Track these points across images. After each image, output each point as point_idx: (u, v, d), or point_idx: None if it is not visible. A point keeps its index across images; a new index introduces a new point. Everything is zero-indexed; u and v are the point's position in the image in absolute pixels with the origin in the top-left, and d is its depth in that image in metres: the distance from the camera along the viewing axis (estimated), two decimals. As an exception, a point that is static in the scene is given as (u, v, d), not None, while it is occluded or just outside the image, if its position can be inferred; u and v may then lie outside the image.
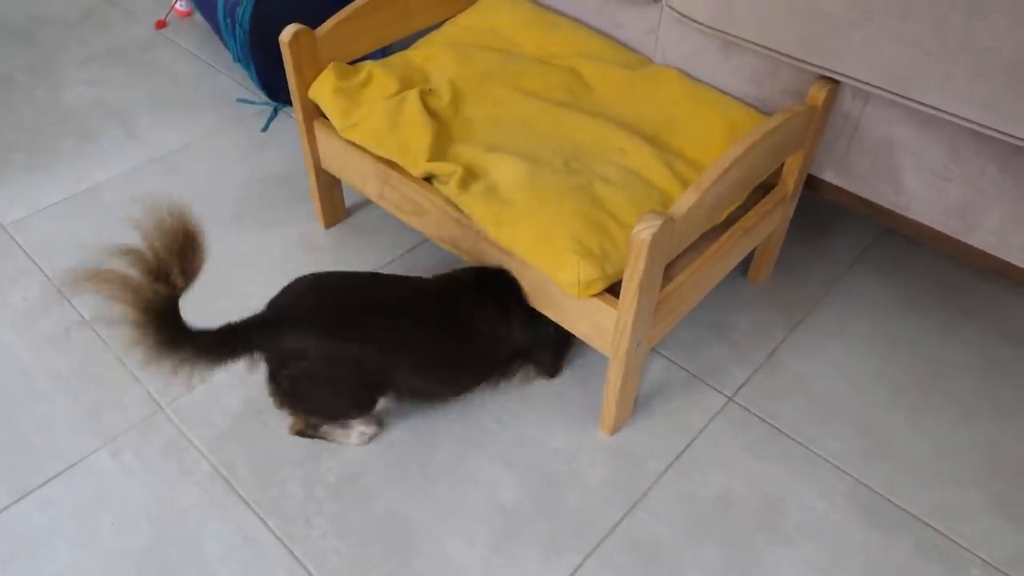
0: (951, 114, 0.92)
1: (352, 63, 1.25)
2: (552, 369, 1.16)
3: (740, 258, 1.15)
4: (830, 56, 0.99)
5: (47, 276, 1.33)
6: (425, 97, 1.18)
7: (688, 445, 1.10)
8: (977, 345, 1.24)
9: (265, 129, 1.66)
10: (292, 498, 1.02)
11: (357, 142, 1.18)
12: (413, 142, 1.11)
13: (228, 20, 1.63)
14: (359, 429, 1.07)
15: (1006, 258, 1.03)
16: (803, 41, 1.00)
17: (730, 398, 1.16)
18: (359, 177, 1.24)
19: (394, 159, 1.14)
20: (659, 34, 1.24)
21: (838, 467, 1.07)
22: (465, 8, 1.40)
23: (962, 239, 1.06)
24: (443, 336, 1.02)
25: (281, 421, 1.11)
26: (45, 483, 1.04)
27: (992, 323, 1.28)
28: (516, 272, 1.05)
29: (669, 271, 1.00)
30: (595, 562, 0.97)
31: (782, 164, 1.12)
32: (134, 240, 0.82)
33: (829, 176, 1.15)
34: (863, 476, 1.06)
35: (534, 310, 1.06)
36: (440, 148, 1.11)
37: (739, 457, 1.08)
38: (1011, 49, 0.84)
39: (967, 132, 0.97)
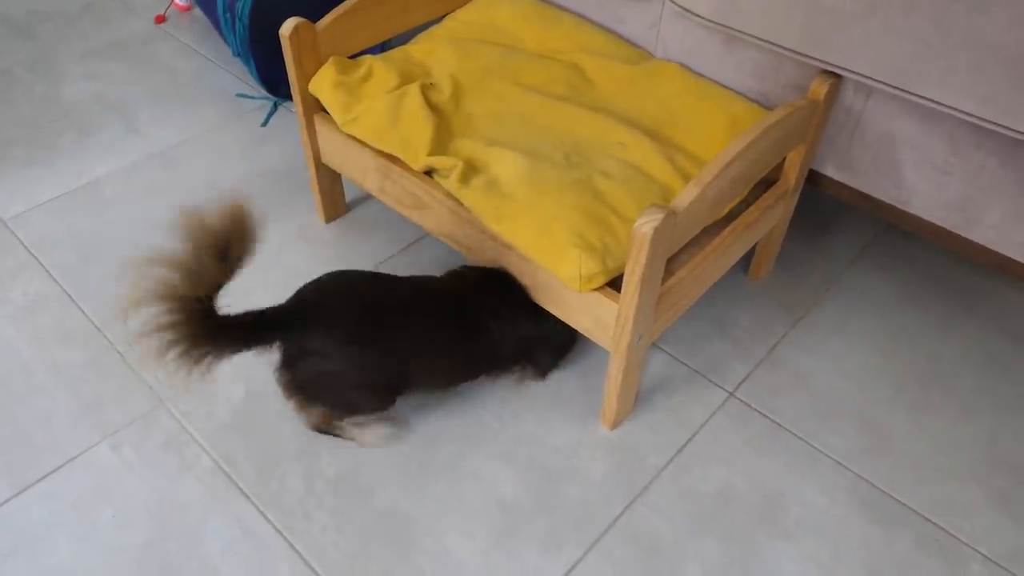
0: (952, 108, 0.91)
1: (352, 57, 1.25)
2: (547, 370, 1.16)
3: (741, 253, 1.15)
4: (832, 50, 0.98)
5: (47, 270, 1.33)
6: (426, 91, 1.17)
7: (689, 440, 1.09)
8: (978, 341, 1.24)
9: (265, 124, 1.66)
10: (292, 492, 1.02)
11: (358, 136, 1.18)
12: (414, 136, 1.11)
13: (228, 15, 1.63)
14: (376, 427, 1.07)
15: (1007, 253, 1.03)
16: (805, 35, 1.00)
17: (731, 393, 1.16)
18: (359, 171, 1.23)
19: (395, 153, 1.14)
20: (661, 29, 1.24)
21: (839, 462, 1.07)
22: (465, 3, 1.40)
23: (963, 234, 1.06)
24: (457, 336, 1.03)
25: (282, 415, 1.10)
26: (45, 477, 1.04)
27: (993, 319, 1.28)
28: (517, 267, 1.05)
29: (670, 266, 1.00)
30: (595, 556, 0.97)
31: (783, 159, 1.12)
32: (157, 241, 0.80)
33: (830, 171, 1.15)
34: (864, 471, 1.06)
35: (541, 310, 1.06)
36: (441, 142, 1.11)
37: (740, 452, 1.08)
38: (1013, 43, 0.83)
39: (968, 126, 0.96)
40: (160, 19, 2.01)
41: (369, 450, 1.07)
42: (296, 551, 0.97)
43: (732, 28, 1.06)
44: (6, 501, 1.01)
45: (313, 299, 0.97)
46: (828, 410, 1.14)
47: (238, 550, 0.97)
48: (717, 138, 1.11)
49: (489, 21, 1.34)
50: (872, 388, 1.17)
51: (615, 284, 0.95)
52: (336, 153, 1.27)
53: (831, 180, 1.16)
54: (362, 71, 1.21)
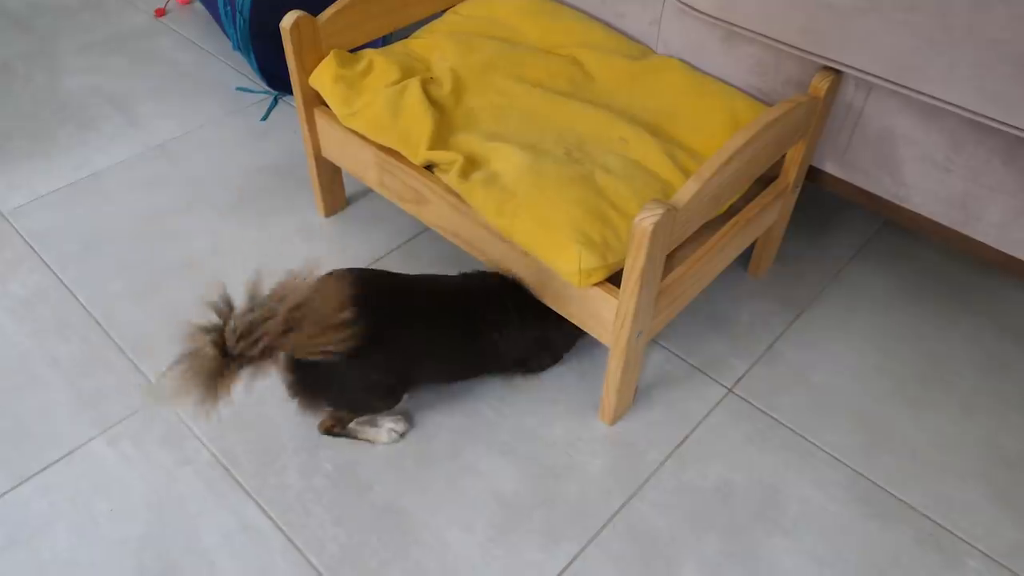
0: (953, 104, 0.91)
1: (353, 51, 1.25)
2: (544, 368, 1.16)
3: (741, 249, 1.15)
4: (833, 46, 0.98)
5: (46, 263, 1.33)
6: (426, 86, 1.17)
7: (688, 436, 1.10)
8: (977, 338, 1.24)
9: (265, 118, 1.66)
10: (291, 487, 1.02)
11: (358, 130, 1.18)
12: (414, 130, 1.11)
13: (228, 8, 1.62)
14: (388, 427, 1.06)
15: (1007, 251, 1.03)
16: (806, 31, 0.99)
17: (730, 389, 1.16)
18: (360, 165, 1.23)
19: (395, 147, 1.13)
20: (662, 24, 1.23)
21: (837, 459, 1.07)
22: (467, -3, 1.40)
23: (963, 231, 1.06)
24: (463, 341, 1.04)
25: (281, 410, 1.10)
26: (44, 470, 1.04)
27: (992, 316, 1.28)
28: (517, 262, 1.05)
29: (670, 262, 1.00)
30: (594, 551, 0.97)
31: (783, 155, 1.12)
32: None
33: (830, 167, 1.15)
34: (862, 468, 1.06)
35: (549, 320, 1.07)
36: (441, 137, 1.11)
37: (738, 448, 1.08)
38: (1014, 39, 0.83)
39: (969, 123, 0.96)
40: (160, 12, 2.00)
41: (367, 445, 1.07)
42: (294, 545, 0.97)
43: (733, 24, 1.06)
44: (4, 493, 1.01)
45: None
46: (827, 406, 1.14)
47: (236, 544, 0.97)
48: (717, 134, 1.10)
49: (490, 15, 1.34)
50: (871, 385, 1.17)
51: (615, 279, 0.95)
52: (336, 147, 1.26)
53: (831, 176, 1.16)
54: (363, 65, 1.21)
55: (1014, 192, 0.97)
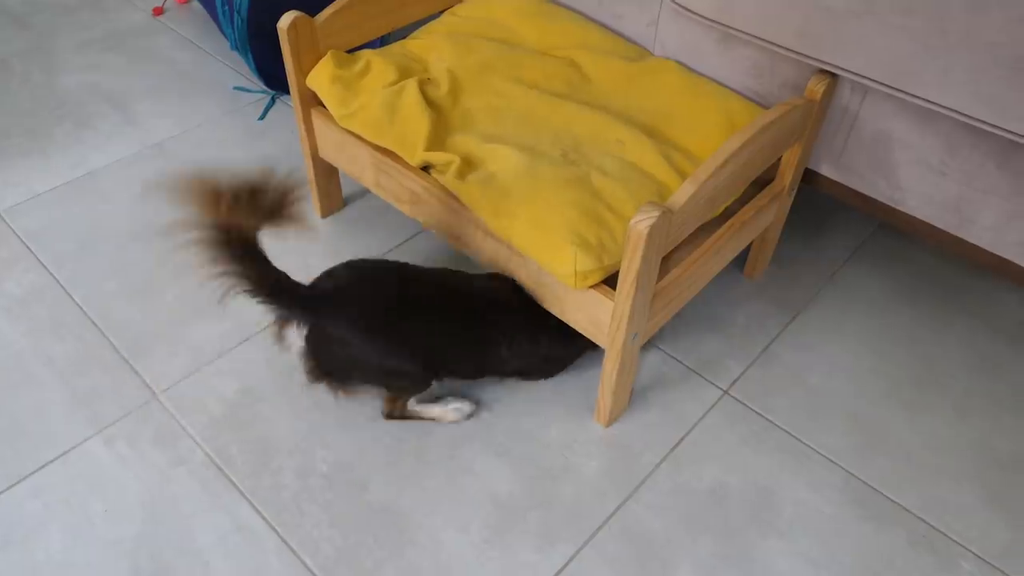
0: (948, 108, 0.92)
1: (351, 52, 1.25)
2: (546, 377, 1.17)
3: (737, 252, 1.15)
4: (829, 49, 0.98)
5: (41, 262, 1.32)
6: (423, 87, 1.17)
7: (683, 438, 1.10)
8: (971, 341, 1.25)
9: (262, 117, 1.66)
10: (286, 487, 1.02)
11: (355, 131, 1.18)
12: (411, 131, 1.11)
13: (226, 8, 1.62)
14: (454, 406, 1.08)
15: (1001, 254, 1.04)
16: (802, 34, 1.00)
17: (725, 391, 1.16)
18: (357, 166, 1.23)
19: (392, 148, 1.13)
20: (659, 26, 1.23)
21: (832, 461, 1.08)
22: (464, -2, 1.40)
23: (957, 234, 1.06)
24: (470, 343, 1.05)
25: (276, 410, 1.10)
26: (38, 470, 1.04)
27: (986, 319, 1.28)
28: (513, 263, 1.05)
29: (666, 264, 1.00)
30: (589, 553, 0.97)
31: (779, 158, 1.12)
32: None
33: (826, 170, 1.15)
34: (857, 470, 1.07)
35: (554, 337, 1.08)
36: (438, 138, 1.11)
37: (734, 450, 1.08)
38: (1010, 44, 0.84)
39: (964, 127, 0.97)
40: (158, 11, 2.00)
41: (363, 444, 1.07)
42: (289, 546, 0.97)
43: (730, 26, 1.06)
44: (-1, 493, 1.01)
45: (337, 285, 0.99)
46: (821, 408, 1.14)
47: (230, 545, 0.97)
48: (714, 136, 1.11)
49: (488, 17, 1.34)
50: (866, 387, 1.17)
51: (611, 281, 0.95)
52: (333, 147, 1.26)
53: (826, 179, 1.16)
54: (360, 66, 1.21)
55: (1008, 196, 0.98)
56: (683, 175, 1.06)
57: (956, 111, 0.91)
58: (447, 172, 1.06)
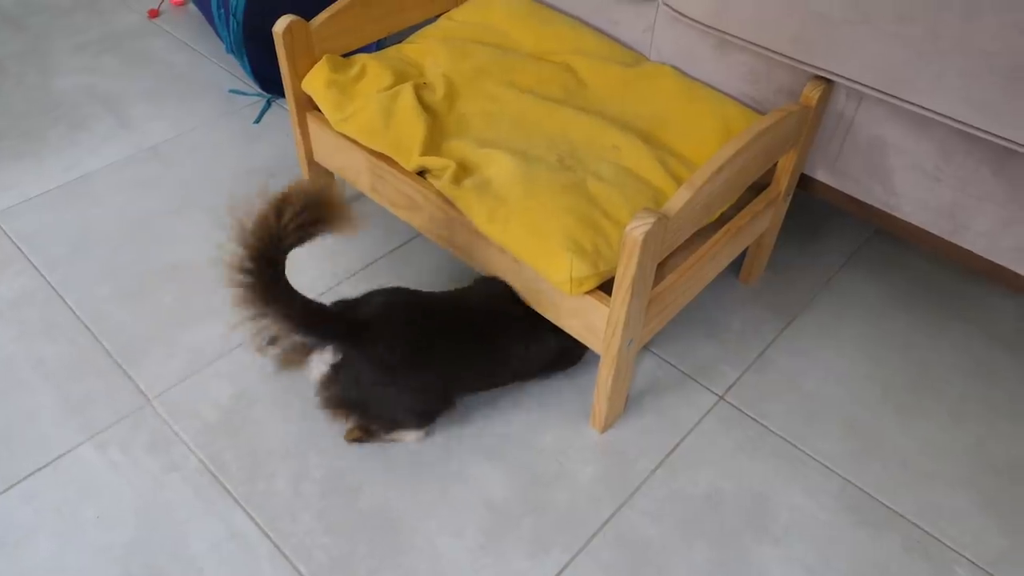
0: (942, 115, 0.92)
1: (346, 56, 1.24)
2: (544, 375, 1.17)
3: (732, 257, 1.15)
4: (824, 56, 0.99)
5: (34, 265, 1.32)
6: (419, 91, 1.17)
7: (678, 443, 1.10)
8: (966, 346, 1.25)
9: (258, 121, 1.65)
10: (279, 494, 1.02)
11: (350, 135, 1.17)
12: (406, 136, 1.11)
13: (222, 10, 1.62)
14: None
15: (996, 260, 1.04)
16: (798, 41, 1.00)
17: (721, 397, 1.16)
18: (352, 171, 1.23)
19: (387, 153, 1.13)
20: (655, 32, 1.24)
21: (827, 466, 1.08)
22: (460, 3, 1.40)
23: (952, 240, 1.06)
24: (490, 355, 1.05)
25: (270, 416, 1.10)
26: (29, 475, 1.03)
27: (981, 325, 1.28)
28: (508, 269, 1.05)
29: (661, 269, 1.00)
30: (584, 559, 0.97)
31: (775, 163, 1.12)
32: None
33: (821, 176, 1.15)
34: (852, 475, 1.07)
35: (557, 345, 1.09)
36: (434, 143, 1.11)
37: (729, 456, 1.08)
38: (1004, 51, 0.84)
39: (958, 133, 0.97)
40: (154, 13, 1.99)
41: (357, 451, 1.07)
42: (282, 553, 0.96)
43: (725, 32, 1.06)
44: (-10, 499, 1.00)
45: (373, 315, 0.97)
46: (817, 414, 1.14)
47: (224, 552, 0.96)
48: (709, 142, 1.11)
49: (484, 21, 1.34)
50: (861, 392, 1.17)
51: (606, 287, 0.95)
52: (328, 152, 1.26)
53: (822, 185, 1.17)
54: (355, 70, 1.21)
55: (1002, 202, 0.98)
56: (679, 181, 1.06)
57: (949, 117, 0.91)
58: (443, 177, 1.06)
